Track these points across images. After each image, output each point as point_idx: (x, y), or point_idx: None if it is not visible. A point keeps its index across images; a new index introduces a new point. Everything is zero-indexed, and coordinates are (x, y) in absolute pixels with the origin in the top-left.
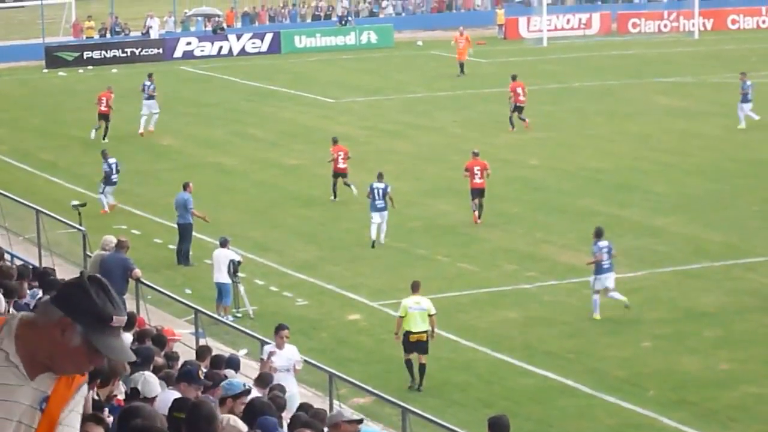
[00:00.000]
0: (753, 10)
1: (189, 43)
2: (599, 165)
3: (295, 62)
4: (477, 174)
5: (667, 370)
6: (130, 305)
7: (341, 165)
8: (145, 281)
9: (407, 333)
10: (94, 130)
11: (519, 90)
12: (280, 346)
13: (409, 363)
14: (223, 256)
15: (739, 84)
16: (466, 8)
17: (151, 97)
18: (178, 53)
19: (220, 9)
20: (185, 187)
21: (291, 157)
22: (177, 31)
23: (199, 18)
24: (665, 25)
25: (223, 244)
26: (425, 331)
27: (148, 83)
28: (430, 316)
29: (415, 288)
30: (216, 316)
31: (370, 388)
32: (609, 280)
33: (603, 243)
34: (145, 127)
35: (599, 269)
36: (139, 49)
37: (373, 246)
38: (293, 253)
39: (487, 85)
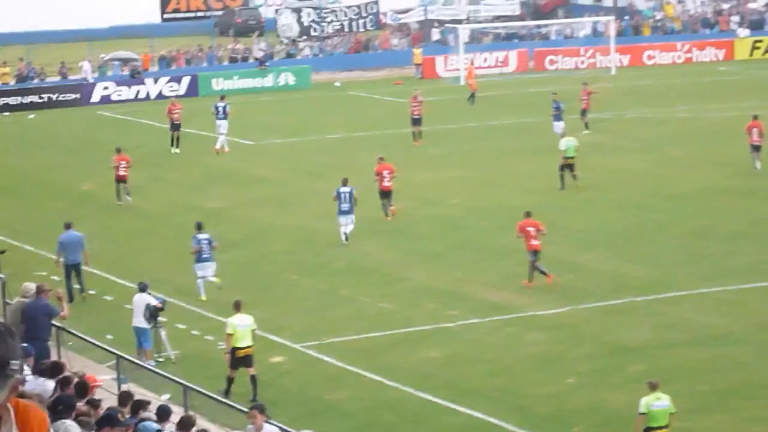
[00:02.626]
0: (668, 45)
1: (106, 88)
2: (520, 202)
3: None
4: (386, 177)
5: (592, 406)
6: (52, 352)
7: (121, 173)
8: (66, 327)
9: (235, 349)
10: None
11: (415, 101)
12: (257, 428)
13: (231, 380)
14: (141, 301)
15: (551, 103)
16: (384, 48)
17: (225, 117)
18: (95, 98)
19: (136, 53)
20: (69, 226)
21: (211, 200)
22: (94, 75)
23: (116, 62)
24: (582, 62)
25: (143, 289)
26: (251, 346)
27: (221, 104)
28: (253, 331)
29: (237, 307)
30: (137, 361)
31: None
32: (208, 269)
33: (202, 235)
34: (222, 145)
35: (199, 259)
36: (56, 95)
37: (346, 240)
38: (215, 296)
39: (406, 125)
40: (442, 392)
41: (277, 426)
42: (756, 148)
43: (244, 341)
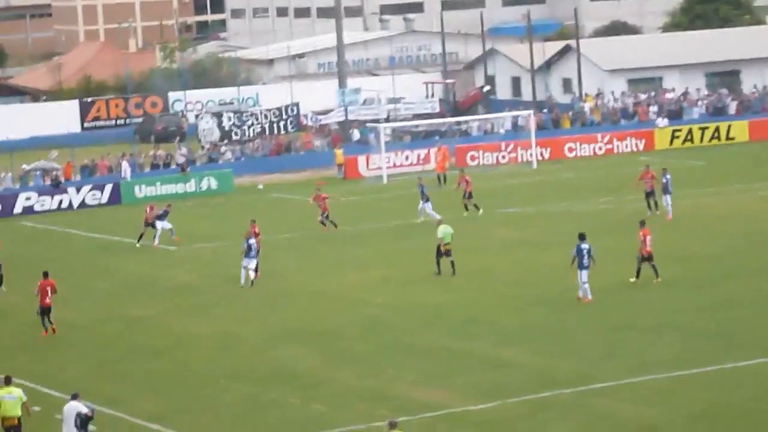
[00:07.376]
0: (589, 137)
1: (28, 198)
2: (443, 300)
3: (136, 212)
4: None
5: None
6: None
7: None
8: None
9: (3, 418)
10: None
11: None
12: None
13: None
14: (72, 410)
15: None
16: (305, 149)
17: (164, 215)
18: (17, 209)
19: (57, 163)
20: None
21: (136, 309)
22: (15, 186)
23: (38, 173)
24: (503, 156)
25: (74, 397)
26: (19, 416)
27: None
28: (23, 403)
29: (8, 381)
30: None
31: None
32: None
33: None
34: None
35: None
36: None
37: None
38: (142, 404)
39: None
40: None
41: None
42: (650, 194)
43: (13, 411)
